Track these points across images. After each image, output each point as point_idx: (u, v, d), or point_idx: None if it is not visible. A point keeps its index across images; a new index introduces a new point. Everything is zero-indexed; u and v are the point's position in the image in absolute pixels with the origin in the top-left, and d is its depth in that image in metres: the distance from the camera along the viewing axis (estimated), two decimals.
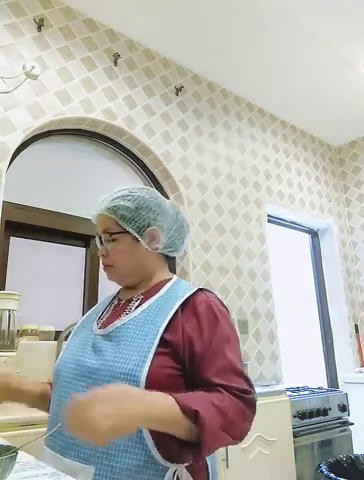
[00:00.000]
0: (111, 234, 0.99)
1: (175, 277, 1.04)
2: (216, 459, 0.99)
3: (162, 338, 0.85)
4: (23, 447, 0.68)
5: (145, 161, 2.76)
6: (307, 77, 3.20)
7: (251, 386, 0.84)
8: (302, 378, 3.08)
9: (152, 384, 0.79)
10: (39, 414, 1.48)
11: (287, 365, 3.08)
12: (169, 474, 0.80)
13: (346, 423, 2.64)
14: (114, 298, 1.08)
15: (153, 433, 0.79)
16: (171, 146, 2.83)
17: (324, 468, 1.99)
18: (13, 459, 0.63)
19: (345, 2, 2.53)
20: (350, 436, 2.63)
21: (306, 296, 3.78)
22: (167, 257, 1.06)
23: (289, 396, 2.40)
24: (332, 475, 1.89)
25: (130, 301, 0.99)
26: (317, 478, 2.08)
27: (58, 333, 2.05)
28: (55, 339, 2.05)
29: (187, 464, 0.83)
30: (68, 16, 2.50)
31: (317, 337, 3.72)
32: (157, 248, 1.00)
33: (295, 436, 2.28)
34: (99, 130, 2.58)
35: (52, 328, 2.10)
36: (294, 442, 2.27)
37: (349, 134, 4.06)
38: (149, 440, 0.79)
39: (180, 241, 1.06)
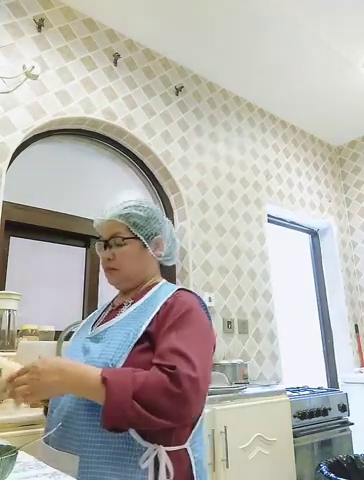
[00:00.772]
0: (123, 239, 1.07)
1: (162, 281, 1.13)
2: (204, 454, 1.00)
3: (144, 331, 0.93)
4: (23, 447, 0.68)
5: (145, 161, 2.76)
6: (307, 77, 3.20)
7: (193, 369, 0.84)
8: (302, 378, 3.08)
9: None
10: (39, 414, 1.48)
11: (287, 365, 3.07)
12: (147, 453, 0.85)
13: (346, 423, 2.64)
14: (109, 304, 1.16)
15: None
16: (171, 146, 2.82)
17: (324, 468, 1.99)
18: (13, 459, 0.63)
19: (345, 2, 2.53)
20: (350, 436, 2.63)
21: (306, 296, 3.77)
22: (161, 265, 1.17)
23: (289, 396, 2.40)
24: (332, 475, 1.89)
25: (122, 306, 1.07)
26: (317, 478, 2.08)
27: (58, 333, 2.05)
28: (55, 339, 2.05)
29: (169, 449, 0.88)
30: (68, 16, 2.50)
31: (317, 337, 3.72)
32: (160, 255, 1.11)
33: (295, 436, 2.28)
34: (99, 130, 2.58)
35: (52, 328, 2.10)
36: (294, 442, 2.26)
37: (349, 134, 4.06)
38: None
39: (175, 252, 1.17)
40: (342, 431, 2.60)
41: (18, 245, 2.24)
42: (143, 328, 0.94)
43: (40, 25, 2.34)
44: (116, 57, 2.65)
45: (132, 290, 1.10)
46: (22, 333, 1.98)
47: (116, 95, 2.62)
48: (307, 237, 3.99)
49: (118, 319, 1.02)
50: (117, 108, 2.60)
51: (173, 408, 0.80)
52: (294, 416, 2.34)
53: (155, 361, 0.87)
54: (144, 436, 0.86)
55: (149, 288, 1.09)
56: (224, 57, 2.98)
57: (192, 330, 0.93)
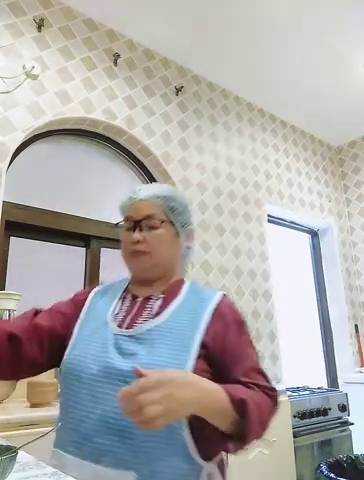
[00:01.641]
0: (162, 221, 0.97)
1: (187, 279, 1.06)
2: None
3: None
4: (23, 447, 0.68)
5: (145, 162, 2.76)
6: (307, 77, 3.20)
7: (272, 385, 0.87)
8: (302, 378, 3.08)
9: None
10: (39, 414, 1.48)
11: (287, 365, 3.08)
12: (204, 473, 0.81)
13: (346, 423, 2.64)
14: (124, 292, 1.02)
15: (192, 431, 0.79)
16: (171, 147, 2.82)
17: (324, 468, 1.99)
18: (13, 459, 0.63)
19: (345, 2, 2.53)
20: (350, 436, 2.63)
21: (306, 296, 3.77)
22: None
23: (289, 396, 2.40)
24: (332, 475, 1.88)
25: (149, 299, 0.95)
26: (317, 478, 2.08)
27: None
28: None
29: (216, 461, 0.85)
30: (68, 16, 2.50)
31: (317, 337, 3.72)
32: (190, 248, 1.05)
33: (295, 436, 2.28)
34: (99, 130, 2.58)
35: None
36: (294, 442, 2.27)
37: (349, 134, 4.06)
38: (189, 439, 0.79)
39: (194, 247, 1.10)
40: (342, 431, 2.60)
41: (18, 245, 2.24)
42: (199, 337, 0.85)
43: (40, 25, 2.34)
44: (116, 57, 2.65)
45: (156, 282, 0.98)
46: None
47: (116, 95, 2.62)
48: (307, 237, 3.99)
49: (162, 318, 0.89)
50: (117, 108, 2.60)
51: (270, 423, 0.83)
52: (294, 416, 2.34)
53: (247, 380, 0.83)
54: (201, 451, 0.81)
55: (178, 284, 1.00)
56: (224, 57, 2.98)
57: (253, 344, 0.93)
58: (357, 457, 2.21)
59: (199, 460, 0.80)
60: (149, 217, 0.96)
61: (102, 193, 2.58)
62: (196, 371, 0.79)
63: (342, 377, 3.45)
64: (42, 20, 2.35)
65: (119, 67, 2.68)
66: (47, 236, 2.35)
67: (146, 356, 0.83)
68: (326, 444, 2.46)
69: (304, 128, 3.95)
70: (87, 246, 2.49)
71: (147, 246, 0.95)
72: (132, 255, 0.97)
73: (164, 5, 2.54)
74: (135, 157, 2.75)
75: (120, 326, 0.91)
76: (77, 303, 1.03)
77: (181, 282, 1.01)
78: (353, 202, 4.09)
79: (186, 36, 2.78)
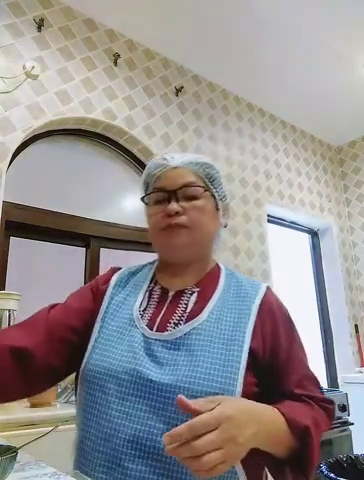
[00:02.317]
0: (205, 190, 0.82)
1: (223, 266, 0.90)
2: None
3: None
4: (23, 447, 0.68)
5: (145, 162, 2.76)
6: (307, 77, 3.20)
7: (324, 393, 0.79)
8: None
9: None
10: (39, 414, 1.48)
11: None
12: None
13: (346, 423, 2.64)
14: (151, 283, 0.87)
15: (245, 468, 0.69)
16: (171, 147, 2.82)
17: (324, 468, 1.98)
18: (13, 459, 0.63)
19: (345, 2, 2.53)
20: (350, 436, 2.63)
21: (306, 296, 3.77)
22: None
23: None
24: (332, 475, 1.88)
25: (182, 294, 0.81)
26: (317, 478, 2.08)
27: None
28: None
29: None
30: (68, 16, 2.50)
31: (317, 337, 3.72)
32: (227, 225, 0.90)
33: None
34: (99, 130, 2.58)
35: None
36: None
37: (349, 134, 4.06)
38: (241, 471, 0.69)
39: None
40: (342, 431, 2.60)
41: (18, 245, 2.24)
42: (248, 342, 0.73)
43: (40, 25, 2.34)
44: (116, 57, 2.65)
45: (189, 268, 0.84)
46: None
47: (116, 95, 2.62)
48: (307, 237, 3.99)
49: (200, 319, 0.76)
50: (117, 108, 2.60)
51: None
52: None
53: (302, 392, 0.74)
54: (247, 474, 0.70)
55: (214, 274, 0.86)
56: (224, 57, 2.98)
57: (302, 342, 0.82)
58: (357, 457, 2.20)
59: None
60: (188, 185, 0.81)
61: (102, 193, 2.59)
62: (246, 386, 0.69)
63: (342, 377, 3.45)
64: (42, 20, 2.34)
65: (119, 67, 2.68)
66: (47, 236, 2.35)
67: (186, 366, 0.70)
68: (326, 444, 2.46)
69: (304, 128, 3.95)
70: (87, 246, 2.49)
71: (187, 219, 0.80)
72: (168, 230, 0.80)
73: (164, 5, 2.54)
74: (135, 157, 2.75)
75: (150, 327, 0.77)
76: (97, 294, 0.87)
77: (217, 270, 0.87)
78: (353, 202, 4.09)
79: (186, 36, 2.78)
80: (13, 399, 0.77)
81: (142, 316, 0.79)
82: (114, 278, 0.88)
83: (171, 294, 0.82)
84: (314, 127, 3.93)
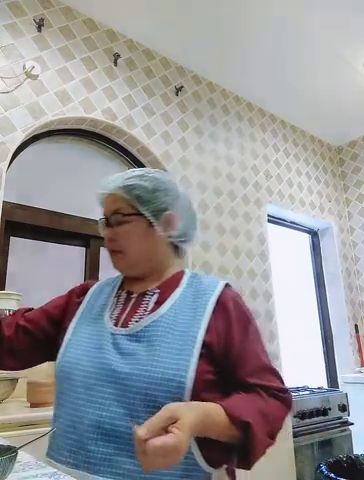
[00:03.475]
0: (124, 215, 0.88)
1: (187, 269, 0.97)
2: None
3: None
4: (23, 447, 0.68)
5: (145, 162, 2.76)
6: (307, 77, 3.20)
7: (284, 383, 0.82)
8: (302, 378, 3.08)
9: (195, 390, 0.74)
10: (39, 414, 1.48)
11: (287, 365, 3.07)
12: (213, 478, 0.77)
13: (346, 423, 2.64)
14: (119, 289, 0.96)
15: (197, 439, 0.74)
16: (171, 146, 2.82)
17: (324, 468, 1.99)
18: (13, 459, 0.63)
19: (345, 2, 2.53)
20: (350, 436, 2.63)
21: (306, 296, 3.77)
22: (176, 248, 0.97)
23: None
24: (332, 475, 1.88)
25: (144, 295, 0.89)
26: (317, 478, 2.08)
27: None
28: None
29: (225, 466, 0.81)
30: (68, 16, 2.50)
31: (317, 337, 3.72)
32: (172, 235, 0.91)
33: (295, 436, 2.28)
34: (99, 130, 2.58)
35: None
36: (294, 442, 2.26)
37: (349, 134, 4.06)
38: (194, 446, 0.75)
39: (192, 231, 0.97)
40: (342, 431, 2.60)
41: (18, 245, 2.24)
42: (202, 333, 0.79)
43: (40, 25, 2.34)
44: (116, 57, 2.65)
45: (148, 276, 0.92)
46: None
47: (116, 95, 2.62)
48: (307, 237, 3.99)
49: (159, 313, 0.83)
50: (117, 108, 2.60)
51: (282, 427, 0.79)
52: (294, 416, 2.34)
53: (255, 381, 0.78)
54: (208, 460, 0.76)
55: (177, 277, 0.92)
56: (224, 57, 2.98)
57: (262, 338, 0.87)
58: (357, 457, 2.21)
59: (206, 467, 0.76)
60: (115, 212, 0.90)
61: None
62: (200, 374, 0.75)
63: (342, 377, 3.45)
64: (42, 20, 2.34)
65: (119, 67, 2.68)
66: (47, 236, 2.35)
67: (145, 356, 0.77)
68: (326, 444, 2.46)
69: (304, 128, 3.95)
70: (87, 246, 2.49)
71: (118, 245, 0.89)
72: (111, 254, 0.92)
73: (164, 5, 2.54)
74: (135, 157, 2.75)
75: (116, 324, 0.85)
76: (70, 303, 0.98)
77: (180, 274, 0.94)
78: (353, 202, 4.09)
79: (186, 36, 2.78)
80: None
81: (110, 317, 0.88)
82: (90, 292, 0.99)
83: (134, 295, 0.91)
84: (314, 127, 3.93)
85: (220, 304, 0.85)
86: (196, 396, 0.74)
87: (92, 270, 2.45)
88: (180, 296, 0.87)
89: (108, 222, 0.91)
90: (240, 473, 1.90)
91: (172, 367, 0.75)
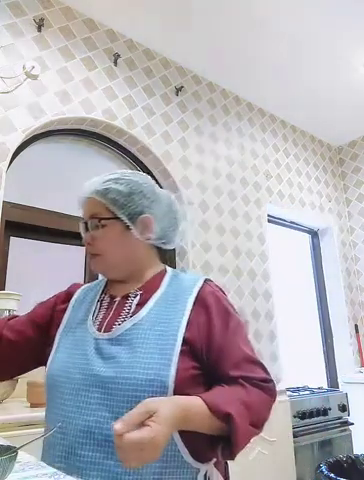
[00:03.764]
0: (100, 220, 0.89)
1: (169, 269, 0.98)
2: None
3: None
4: (23, 447, 0.68)
5: (145, 162, 2.76)
6: (307, 77, 3.20)
7: (268, 373, 0.83)
8: (302, 378, 3.08)
9: (178, 387, 0.75)
10: (39, 414, 1.48)
11: (287, 365, 3.07)
12: (201, 476, 0.78)
13: (346, 423, 2.64)
14: (102, 294, 0.97)
15: (182, 435, 0.75)
16: (171, 146, 2.82)
17: (324, 468, 1.99)
18: (13, 459, 0.63)
19: (345, 2, 2.53)
20: (350, 436, 2.63)
21: (306, 296, 3.77)
22: (159, 249, 0.98)
23: (289, 396, 2.40)
24: (332, 475, 1.88)
25: (127, 298, 0.90)
26: (317, 478, 2.08)
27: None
28: None
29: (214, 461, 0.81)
30: (68, 16, 2.50)
31: (317, 337, 3.72)
32: (149, 238, 0.92)
33: (295, 436, 2.28)
34: (99, 130, 2.58)
35: None
36: (294, 442, 2.27)
37: (349, 134, 4.06)
38: (179, 443, 0.75)
39: (173, 232, 0.97)
40: (342, 431, 2.60)
41: (18, 245, 2.24)
42: (182, 330, 0.80)
43: (40, 25, 2.34)
44: (116, 57, 2.65)
45: (129, 279, 0.93)
46: None
47: (116, 95, 2.62)
48: (307, 237, 3.99)
49: (140, 316, 0.84)
50: (117, 108, 2.60)
51: (267, 418, 0.79)
52: (294, 416, 2.34)
53: (237, 373, 0.78)
54: (195, 455, 0.77)
55: (158, 277, 0.93)
56: (224, 57, 2.98)
57: (244, 330, 0.87)
58: (357, 457, 2.21)
59: (194, 463, 0.77)
60: (91, 217, 0.91)
61: None
62: (182, 371, 0.76)
63: (342, 377, 3.45)
64: (42, 20, 2.34)
65: (119, 67, 2.68)
66: (47, 236, 2.35)
67: (127, 359, 0.78)
68: (326, 444, 2.46)
69: (304, 128, 3.95)
70: None
71: (96, 248, 0.91)
72: (90, 257, 0.94)
73: (164, 5, 2.54)
74: (135, 157, 2.75)
75: (100, 329, 0.86)
76: (57, 310, 0.98)
77: (161, 274, 0.94)
78: (353, 202, 4.09)
79: (186, 36, 2.78)
80: None
81: (94, 322, 0.89)
82: (74, 298, 1.00)
83: (117, 299, 0.91)
84: (314, 127, 3.93)
85: (200, 299, 0.85)
86: (181, 393, 0.75)
87: (92, 270, 2.45)
88: (161, 296, 0.88)
89: (86, 226, 0.92)
90: (239, 473, 1.89)
91: (153, 367, 0.76)
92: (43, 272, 2.30)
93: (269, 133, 3.61)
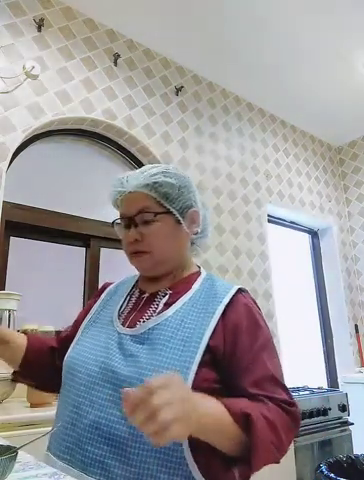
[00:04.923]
0: (156, 214, 0.85)
1: (204, 271, 0.94)
2: None
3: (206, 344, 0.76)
4: (23, 447, 0.68)
5: (144, 162, 2.76)
6: (307, 77, 3.20)
7: (291, 397, 0.76)
8: (302, 378, 3.08)
9: None
10: (39, 414, 1.48)
11: (287, 365, 3.07)
12: None
13: (346, 423, 2.64)
14: (133, 287, 0.95)
15: (194, 452, 0.70)
16: (171, 146, 2.82)
17: (324, 468, 1.99)
18: (13, 459, 0.63)
19: (345, 2, 2.53)
20: (350, 436, 2.63)
21: (306, 296, 3.77)
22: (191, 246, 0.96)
23: None
24: (332, 475, 1.88)
25: (156, 295, 0.87)
26: (317, 478, 2.08)
27: (58, 333, 2.05)
28: None
29: None
30: (68, 16, 2.50)
31: (317, 337, 3.72)
32: (197, 232, 0.91)
33: (295, 436, 2.28)
34: (99, 130, 2.58)
35: (52, 328, 2.09)
36: (294, 442, 2.26)
37: (349, 134, 4.06)
38: (190, 459, 0.70)
39: (208, 227, 0.97)
40: (342, 431, 2.60)
41: (18, 245, 2.24)
42: (206, 338, 0.75)
43: (40, 25, 2.34)
44: (116, 57, 2.65)
45: (165, 277, 0.89)
46: (22, 333, 1.98)
47: (116, 95, 2.62)
48: (307, 237, 3.99)
49: (165, 316, 0.81)
50: (117, 108, 2.60)
51: (289, 446, 0.73)
52: None
53: (258, 392, 0.73)
54: (203, 471, 0.71)
55: (191, 278, 0.89)
56: (224, 57, 2.98)
57: (273, 346, 0.81)
58: (357, 457, 2.21)
59: (199, 478, 0.70)
60: (141, 211, 0.85)
61: (102, 193, 2.58)
62: (199, 381, 0.72)
63: (342, 377, 3.45)
64: (42, 20, 2.34)
65: (119, 67, 2.68)
66: (47, 236, 2.35)
67: (145, 358, 0.75)
68: (326, 444, 2.46)
69: (304, 128, 3.95)
70: (87, 246, 2.49)
71: (146, 245, 0.85)
72: (133, 256, 0.88)
73: (164, 5, 2.54)
74: (135, 157, 2.75)
75: (124, 324, 0.84)
76: (91, 305, 0.98)
77: (195, 275, 0.91)
78: (353, 202, 4.09)
79: (186, 36, 2.78)
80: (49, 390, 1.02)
81: (119, 316, 0.87)
82: (105, 292, 0.99)
83: (146, 296, 0.89)
84: (314, 127, 3.93)
85: (231, 308, 0.80)
86: None
87: (92, 270, 2.45)
88: (190, 299, 0.84)
89: (132, 222, 0.86)
90: None
91: (171, 373, 0.71)
92: (43, 272, 2.30)
93: (269, 133, 3.61)
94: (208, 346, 0.75)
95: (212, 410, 0.65)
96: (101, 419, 0.73)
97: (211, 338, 0.76)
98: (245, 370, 0.75)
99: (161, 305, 0.84)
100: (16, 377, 0.98)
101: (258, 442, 0.65)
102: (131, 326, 0.83)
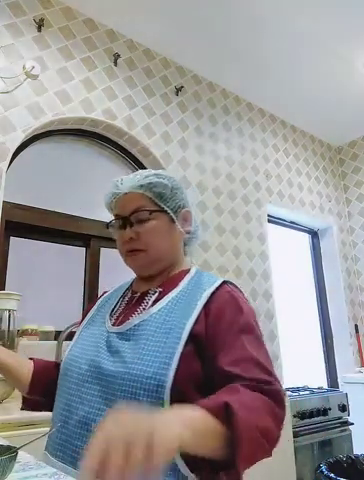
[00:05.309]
0: (151, 212, 0.89)
1: (194, 268, 0.96)
2: None
3: (189, 332, 0.76)
4: (23, 447, 0.68)
5: (144, 162, 2.76)
6: (307, 77, 3.20)
7: (275, 378, 0.72)
8: (302, 378, 3.08)
9: (175, 388, 0.70)
10: (39, 414, 1.48)
11: (287, 365, 3.07)
12: None
13: (346, 423, 2.64)
14: (127, 290, 0.98)
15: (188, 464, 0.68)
16: (171, 147, 2.82)
17: (324, 468, 1.99)
18: (13, 459, 0.63)
19: (345, 2, 2.53)
20: (350, 436, 2.63)
21: (306, 296, 3.77)
22: (184, 246, 0.99)
23: (289, 396, 2.40)
24: (332, 475, 1.88)
25: (146, 294, 0.90)
26: (317, 478, 2.08)
27: (58, 333, 2.05)
28: (55, 339, 2.05)
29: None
30: (68, 16, 2.50)
31: (317, 337, 3.72)
32: (189, 231, 0.95)
33: (295, 436, 2.28)
34: (99, 130, 2.58)
35: (52, 328, 2.10)
36: (294, 442, 2.26)
37: (349, 134, 4.06)
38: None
39: (198, 230, 1.00)
40: (342, 431, 2.60)
41: (18, 245, 2.24)
42: (188, 327, 0.76)
43: (40, 25, 2.34)
44: (116, 57, 2.65)
45: (158, 276, 0.92)
46: (22, 333, 1.98)
47: (116, 95, 2.62)
48: (307, 237, 3.99)
49: (150, 312, 0.83)
50: (117, 108, 2.60)
51: (278, 434, 0.67)
52: (294, 416, 2.34)
53: (234, 371, 0.70)
54: (190, 466, 0.69)
55: (180, 276, 0.91)
56: (224, 57, 2.98)
57: (258, 334, 0.79)
58: (357, 457, 2.21)
59: (184, 469, 0.69)
60: (136, 211, 0.89)
61: (102, 193, 2.58)
62: (183, 370, 0.71)
63: (342, 377, 3.45)
64: (42, 20, 2.34)
65: (119, 67, 2.68)
66: (47, 236, 2.35)
67: (130, 353, 0.77)
68: (326, 444, 2.46)
69: (304, 128, 3.95)
70: (87, 246, 2.49)
71: (142, 243, 0.89)
72: (128, 255, 0.91)
73: (164, 5, 2.54)
74: (135, 157, 2.75)
75: (114, 323, 0.88)
76: (87, 311, 1.03)
77: (184, 272, 0.93)
78: (353, 202, 4.09)
79: (186, 36, 2.78)
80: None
81: (111, 316, 0.91)
82: (101, 298, 1.04)
83: (137, 295, 0.92)
84: (314, 127, 3.93)
85: (215, 297, 0.82)
86: (179, 395, 0.70)
87: (92, 270, 2.45)
88: (177, 295, 0.86)
89: (127, 221, 0.90)
90: None
91: (153, 365, 0.73)
92: (43, 272, 2.30)
93: (269, 133, 3.61)
94: (191, 335, 0.76)
95: (190, 414, 0.59)
96: (89, 414, 0.76)
97: (194, 326, 0.77)
98: (223, 351, 0.74)
99: (150, 302, 0.87)
100: (25, 407, 1.01)
101: (242, 433, 0.59)
102: (120, 324, 0.86)
